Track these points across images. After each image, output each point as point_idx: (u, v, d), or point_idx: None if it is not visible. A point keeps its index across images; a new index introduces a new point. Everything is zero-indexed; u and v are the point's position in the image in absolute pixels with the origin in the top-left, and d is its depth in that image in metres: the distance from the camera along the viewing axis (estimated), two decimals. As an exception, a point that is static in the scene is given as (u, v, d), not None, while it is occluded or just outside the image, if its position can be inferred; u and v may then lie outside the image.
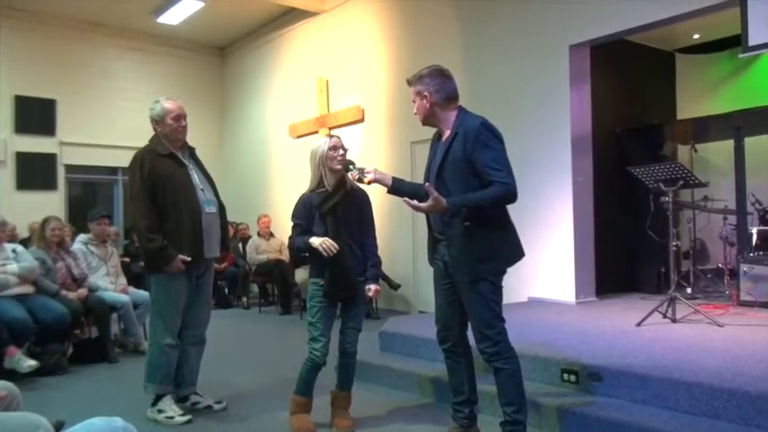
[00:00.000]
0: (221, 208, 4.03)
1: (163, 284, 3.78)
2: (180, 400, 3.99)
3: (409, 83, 3.11)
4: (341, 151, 3.49)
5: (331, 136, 3.58)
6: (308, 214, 3.51)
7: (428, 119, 3.10)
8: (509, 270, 3.01)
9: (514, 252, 2.99)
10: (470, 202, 2.83)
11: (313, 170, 3.55)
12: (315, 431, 3.51)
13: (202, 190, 3.88)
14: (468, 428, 3.26)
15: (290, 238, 3.61)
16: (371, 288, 3.59)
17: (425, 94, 3.03)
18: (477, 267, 2.89)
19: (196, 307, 3.97)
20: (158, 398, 3.84)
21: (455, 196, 2.86)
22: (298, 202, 3.59)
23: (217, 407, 4.03)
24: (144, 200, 3.68)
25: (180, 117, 3.83)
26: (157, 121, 3.83)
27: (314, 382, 3.56)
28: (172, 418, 3.75)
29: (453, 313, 3.13)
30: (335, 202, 3.45)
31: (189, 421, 3.74)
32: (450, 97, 3.05)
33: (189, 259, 3.72)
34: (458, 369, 3.25)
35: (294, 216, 3.56)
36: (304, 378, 3.56)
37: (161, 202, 3.71)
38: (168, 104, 3.83)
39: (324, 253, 3.35)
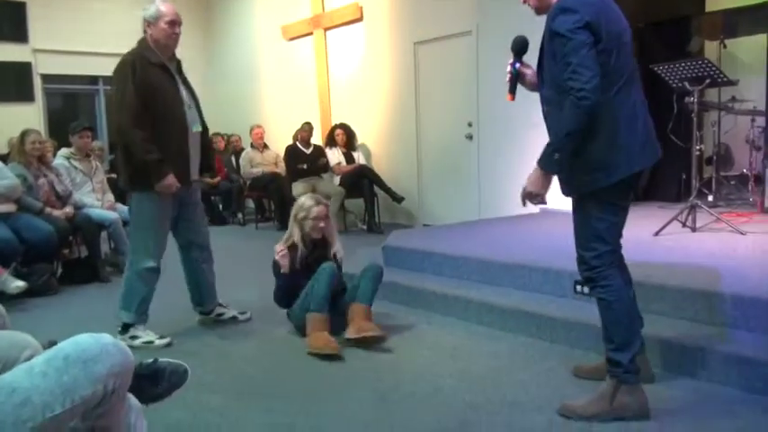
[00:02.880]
0: (204, 129, 4.03)
1: (146, 203, 3.74)
2: (204, 314, 4.20)
3: None
4: (322, 224, 3.81)
5: (318, 202, 3.84)
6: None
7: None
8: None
9: (633, 158, 2.55)
10: (555, 145, 2.50)
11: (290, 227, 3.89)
12: (337, 348, 3.44)
13: (189, 107, 3.85)
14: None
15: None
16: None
17: None
18: (578, 181, 2.61)
19: (194, 224, 4.03)
20: (127, 326, 3.78)
21: (545, 148, 2.52)
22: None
23: (241, 317, 4.21)
24: (137, 108, 3.58)
25: (175, 23, 3.76)
26: (150, 22, 3.74)
27: (330, 296, 3.61)
28: (151, 342, 3.72)
29: None
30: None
31: (169, 344, 3.73)
32: None
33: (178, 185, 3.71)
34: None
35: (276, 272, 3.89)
36: (321, 293, 3.59)
37: (150, 114, 3.63)
38: (164, 7, 3.75)
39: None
